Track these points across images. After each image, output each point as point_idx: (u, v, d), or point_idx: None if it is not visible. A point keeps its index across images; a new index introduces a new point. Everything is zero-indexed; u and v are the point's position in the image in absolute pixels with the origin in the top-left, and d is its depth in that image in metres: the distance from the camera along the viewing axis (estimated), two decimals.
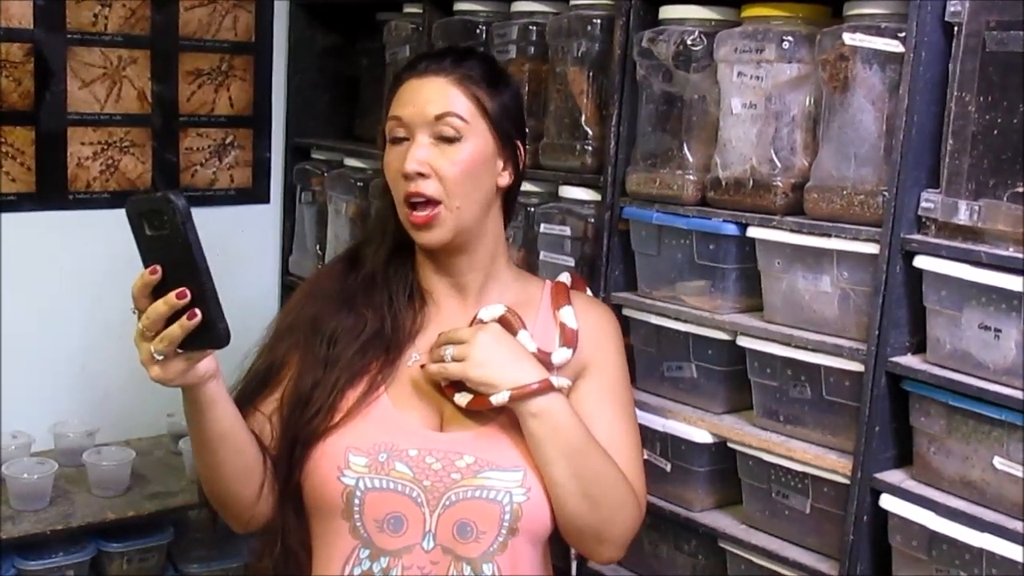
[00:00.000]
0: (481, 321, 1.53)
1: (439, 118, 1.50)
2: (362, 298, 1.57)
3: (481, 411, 1.49)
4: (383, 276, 1.58)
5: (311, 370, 1.53)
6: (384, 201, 1.60)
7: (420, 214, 1.50)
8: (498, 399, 1.45)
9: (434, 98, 1.50)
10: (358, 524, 1.47)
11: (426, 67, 1.53)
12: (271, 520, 1.55)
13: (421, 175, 1.48)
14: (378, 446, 1.49)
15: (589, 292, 1.76)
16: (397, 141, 1.52)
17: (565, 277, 1.69)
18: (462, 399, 1.49)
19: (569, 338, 1.57)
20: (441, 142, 1.50)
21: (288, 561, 1.56)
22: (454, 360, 1.48)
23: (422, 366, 1.53)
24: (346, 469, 1.47)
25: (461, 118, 1.51)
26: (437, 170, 1.49)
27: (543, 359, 1.53)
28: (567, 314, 1.58)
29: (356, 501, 1.47)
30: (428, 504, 1.46)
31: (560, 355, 1.55)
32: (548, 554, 1.60)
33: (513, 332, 1.53)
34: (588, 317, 1.62)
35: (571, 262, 2.08)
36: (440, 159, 1.49)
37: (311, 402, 1.51)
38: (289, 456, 1.51)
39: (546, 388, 1.46)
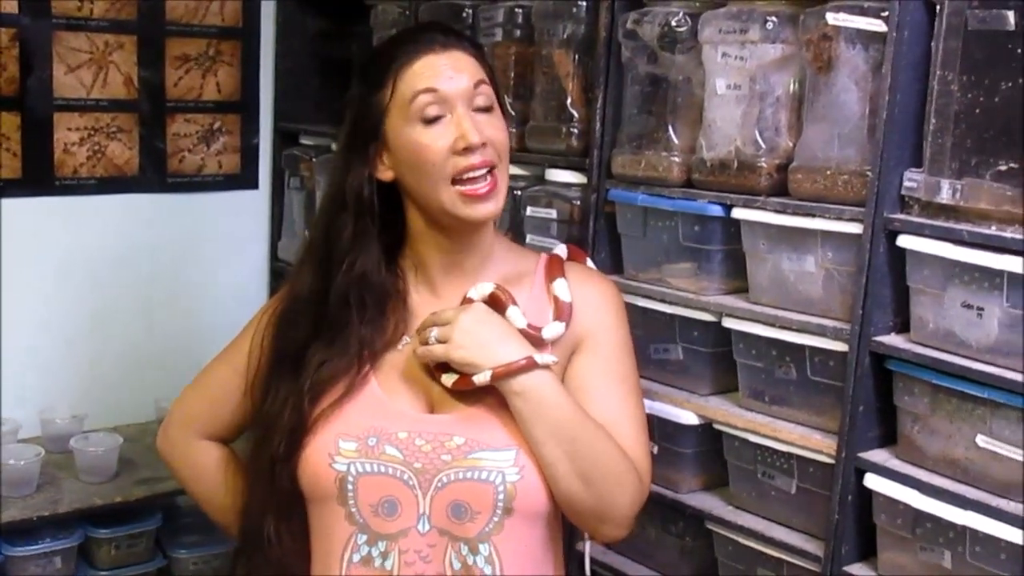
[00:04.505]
0: (470, 300, 1.52)
1: (476, 86, 1.49)
2: (334, 325, 1.53)
3: (469, 392, 1.49)
4: (358, 295, 1.53)
5: (282, 398, 1.53)
6: (354, 211, 1.52)
7: (483, 185, 1.47)
8: (480, 379, 1.45)
9: (466, 68, 1.49)
10: (353, 510, 1.47)
11: (442, 41, 1.50)
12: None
13: (483, 144, 1.47)
14: (367, 430, 1.48)
15: (591, 263, 1.72)
16: (432, 120, 1.47)
17: (561, 250, 1.67)
18: (448, 380, 1.48)
19: (562, 312, 1.55)
20: (477, 112, 1.49)
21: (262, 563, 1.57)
22: (438, 342, 1.48)
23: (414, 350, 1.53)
24: (337, 456, 1.47)
25: (490, 86, 1.52)
26: (488, 137, 1.48)
27: (533, 335, 1.51)
28: (560, 287, 1.56)
29: (349, 487, 1.46)
30: (420, 486, 1.46)
31: (551, 330, 1.53)
32: (556, 533, 1.57)
33: (502, 309, 1.52)
34: (584, 289, 1.58)
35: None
36: (487, 126, 1.48)
37: (282, 422, 1.51)
38: (271, 468, 1.52)
39: (530, 365, 1.44)
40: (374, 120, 1.51)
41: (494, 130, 1.50)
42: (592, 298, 1.58)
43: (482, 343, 1.46)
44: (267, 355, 1.59)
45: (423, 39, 1.51)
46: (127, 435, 2.62)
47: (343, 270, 1.52)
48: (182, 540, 2.66)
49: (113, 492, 2.43)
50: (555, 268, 1.59)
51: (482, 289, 1.53)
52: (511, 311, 1.52)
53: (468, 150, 1.46)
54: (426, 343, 1.49)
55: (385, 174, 1.53)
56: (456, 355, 1.46)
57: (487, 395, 1.48)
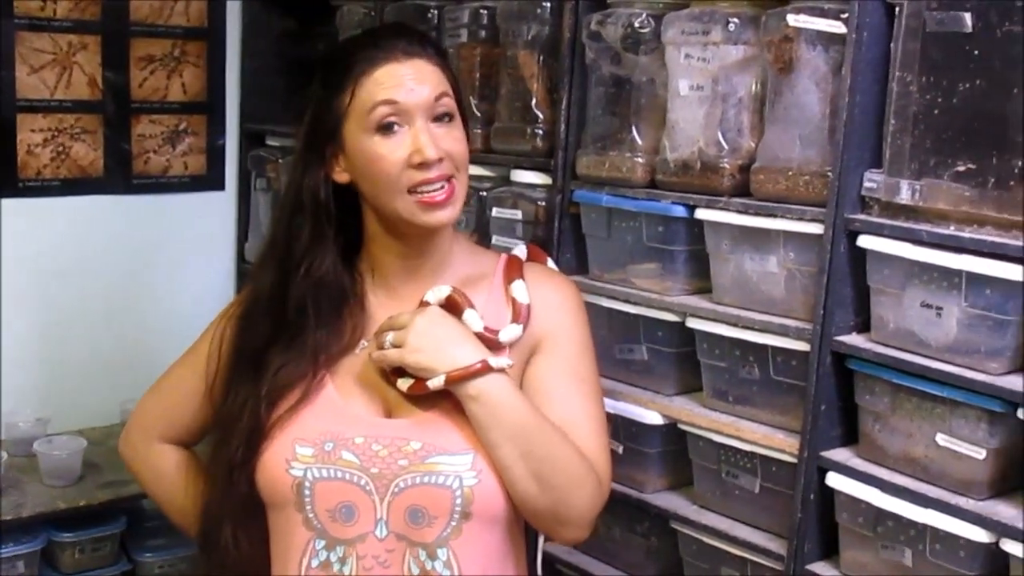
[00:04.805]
0: (427, 303, 1.52)
1: (438, 99, 1.47)
2: (292, 329, 1.52)
3: (425, 396, 1.48)
4: (315, 299, 1.52)
5: (240, 402, 1.52)
6: (311, 213, 1.51)
7: (440, 192, 1.46)
8: (434, 383, 1.44)
9: (428, 79, 1.47)
10: (311, 515, 1.46)
11: (405, 49, 1.48)
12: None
13: (440, 160, 1.46)
14: (324, 435, 1.47)
15: (552, 263, 1.71)
16: (389, 129, 1.46)
17: (520, 250, 1.66)
18: (403, 384, 1.47)
19: (519, 314, 1.54)
20: (437, 122, 1.47)
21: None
22: (393, 346, 1.47)
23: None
24: (293, 461, 1.46)
25: (452, 97, 1.50)
26: (446, 150, 1.47)
27: (490, 338, 1.51)
28: (518, 289, 1.55)
29: (306, 492, 1.45)
30: (377, 492, 1.45)
31: (509, 332, 1.52)
32: (517, 536, 1.56)
33: (459, 312, 1.51)
34: (543, 290, 1.57)
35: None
36: (445, 139, 1.47)
37: (240, 427, 1.50)
38: (228, 473, 1.51)
39: (484, 369, 1.43)
40: (332, 123, 1.49)
41: (452, 141, 1.48)
42: (551, 299, 1.57)
43: (437, 347, 1.45)
44: (227, 357, 1.58)
45: (386, 46, 1.49)
46: (91, 438, 2.60)
47: (300, 274, 1.52)
48: (147, 544, 2.64)
49: (77, 496, 2.42)
50: (514, 269, 1.58)
51: (439, 292, 1.52)
52: (468, 314, 1.51)
53: (424, 165, 1.45)
54: (382, 347, 1.49)
55: (341, 176, 1.52)
56: (411, 359, 1.45)
57: (443, 399, 1.47)
